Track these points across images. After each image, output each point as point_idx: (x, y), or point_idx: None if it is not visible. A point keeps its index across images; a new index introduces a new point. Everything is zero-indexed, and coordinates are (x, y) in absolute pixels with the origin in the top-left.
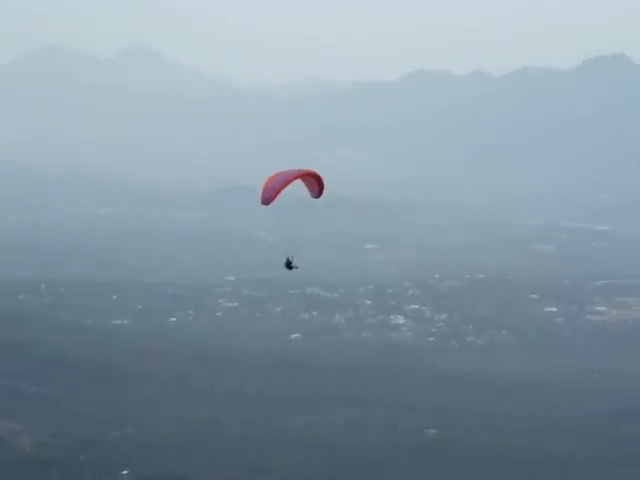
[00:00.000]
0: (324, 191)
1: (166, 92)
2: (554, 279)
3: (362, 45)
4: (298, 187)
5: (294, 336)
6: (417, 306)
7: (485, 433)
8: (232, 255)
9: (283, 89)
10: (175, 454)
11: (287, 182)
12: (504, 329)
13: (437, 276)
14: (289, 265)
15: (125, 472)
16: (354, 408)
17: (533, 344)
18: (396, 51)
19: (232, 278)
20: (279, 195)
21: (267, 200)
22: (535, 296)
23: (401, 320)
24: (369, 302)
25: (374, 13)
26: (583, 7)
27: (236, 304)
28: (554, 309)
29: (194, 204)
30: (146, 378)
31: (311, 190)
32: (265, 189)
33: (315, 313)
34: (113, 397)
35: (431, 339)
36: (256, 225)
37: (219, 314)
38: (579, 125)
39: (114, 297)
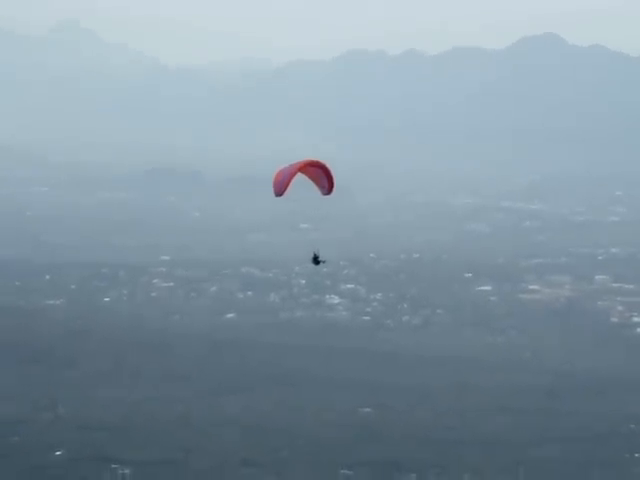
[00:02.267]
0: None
1: (96, 71)
2: (488, 258)
3: (296, 24)
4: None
5: (229, 316)
6: (352, 285)
7: (420, 412)
8: (166, 235)
9: (215, 69)
10: (109, 435)
11: (293, 174)
12: (439, 308)
13: (372, 255)
14: (316, 260)
15: (58, 453)
16: (289, 388)
17: (467, 323)
18: (330, 31)
19: (167, 258)
20: (290, 186)
21: (279, 193)
22: (469, 275)
23: (336, 300)
24: (304, 282)
25: None
26: None
27: (171, 284)
28: (488, 288)
29: (127, 184)
30: (79, 359)
31: (320, 186)
32: (275, 182)
33: (250, 293)
34: (45, 378)
35: (366, 318)
36: (190, 205)
37: (153, 294)
38: (510, 104)
39: (47, 277)
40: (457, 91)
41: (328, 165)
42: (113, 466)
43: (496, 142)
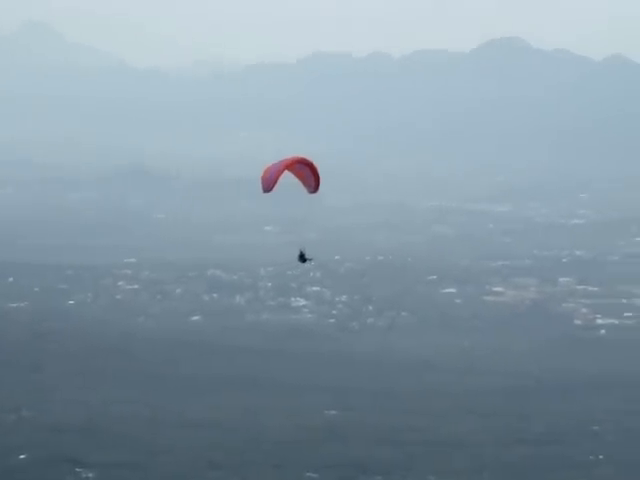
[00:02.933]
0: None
1: (62, 72)
2: (452, 261)
3: (259, 27)
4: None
5: (194, 318)
6: (318, 288)
7: (386, 414)
8: (131, 237)
9: (183, 71)
10: (73, 437)
11: (282, 171)
12: (404, 310)
13: (337, 258)
14: (302, 258)
15: (22, 456)
16: (255, 389)
17: (433, 325)
18: (293, 33)
19: (132, 260)
20: (278, 183)
21: (267, 189)
22: (434, 277)
23: (302, 302)
24: (270, 284)
25: None
26: None
27: (136, 286)
28: (452, 290)
29: (93, 186)
30: (44, 361)
31: (307, 185)
32: (263, 179)
33: (215, 295)
34: (9, 381)
35: (332, 321)
36: (155, 207)
37: (118, 296)
38: (476, 107)
39: (10, 279)
40: (423, 94)
41: (315, 163)
42: (77, 469)
43: (461, 145)
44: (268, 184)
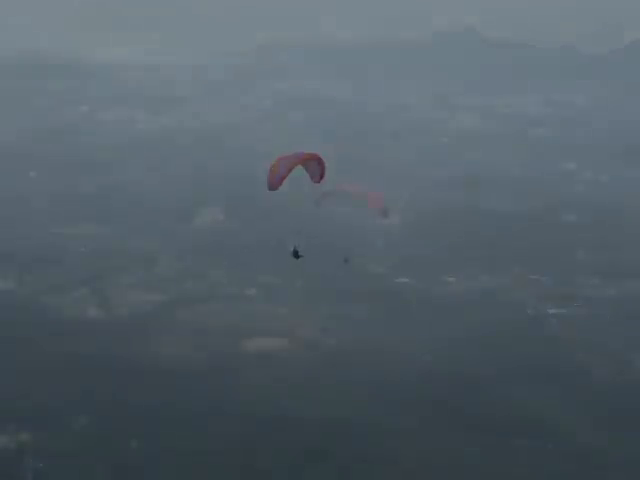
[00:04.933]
0: (325, 176)
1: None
2: (407, 252)
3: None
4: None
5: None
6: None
7: (332, 405)
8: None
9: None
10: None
11: (291, 169)
12: (357, 301)
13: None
14: (296, 254)
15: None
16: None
17: (383, 315)
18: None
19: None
20: (284, 181)
21: (273, 187)
22: (388, 267)
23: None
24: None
25: None
26: None
27: None
28: (405, 280)
29: None
30: None
31: (313, 175)
32: (271, 177)
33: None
34: None
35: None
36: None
37: None
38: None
39: None
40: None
41: (322, 157)
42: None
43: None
44: (274, 183)
